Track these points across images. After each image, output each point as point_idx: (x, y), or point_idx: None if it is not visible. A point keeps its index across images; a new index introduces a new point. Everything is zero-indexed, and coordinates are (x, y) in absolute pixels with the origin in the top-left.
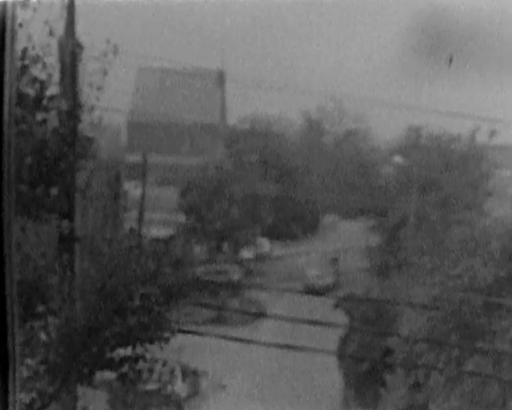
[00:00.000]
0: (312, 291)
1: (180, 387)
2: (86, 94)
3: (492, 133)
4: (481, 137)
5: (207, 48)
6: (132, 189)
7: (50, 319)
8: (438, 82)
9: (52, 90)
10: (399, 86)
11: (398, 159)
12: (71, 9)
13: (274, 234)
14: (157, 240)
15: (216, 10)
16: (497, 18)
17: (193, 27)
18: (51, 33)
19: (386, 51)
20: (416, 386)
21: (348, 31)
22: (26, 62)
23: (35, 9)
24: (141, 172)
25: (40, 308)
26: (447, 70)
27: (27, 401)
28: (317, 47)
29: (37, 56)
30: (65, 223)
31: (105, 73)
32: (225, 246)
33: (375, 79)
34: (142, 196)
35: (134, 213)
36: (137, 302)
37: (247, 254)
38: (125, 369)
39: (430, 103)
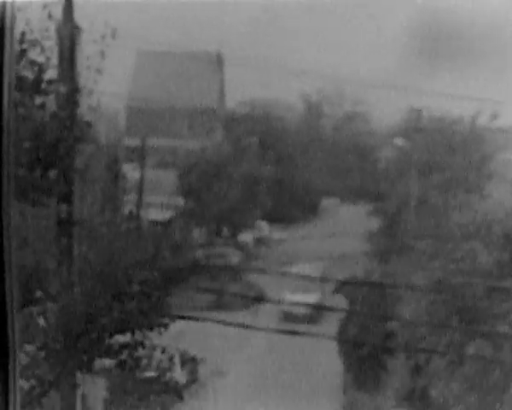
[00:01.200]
0: (291, 320)
1: (179, 374)
2: (85, 78)
3: (494, 116)
4: (483, 120)
5: (206, 31)
6: (131, 172)
7: (49, 305)
8: (439, 64)
9: (50, 73)
10: (400, 68)
11: (398, 141)
12: None
13: (273, 217)
14: (156, 223)
15: None
16: (502, 7)
17: (191, 10)
18: (49, 17)
19: (387, 33)
20: (417, 370)
21: (348, 14)
22: (25, 46)
23: None
24: (139, 155)
25: (38, 294)
26: (449, 53)
27: (27, 388)
28: (317, 30)
29: (36, 40)
30: (63, 207)
31: (103, 56)
32: (224, 229)
33: (376, 61)
34: (141, 180)
35: (133, 197)
36: (136, 287)
37: (246, 237)
38: (124, 356)
39: (431, 85)
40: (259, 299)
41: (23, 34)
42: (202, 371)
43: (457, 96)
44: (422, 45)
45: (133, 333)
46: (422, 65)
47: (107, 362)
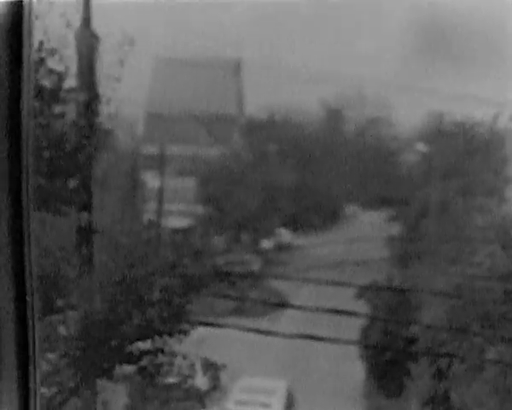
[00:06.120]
0: None
1: (200, 380)
2: (104, 86)
3: None
4: (503, 121)
5: (224, 37)
6: (150, 180)
7: (69, 313)
8: (459, 66)
9: (69, 82)
10: (420, 72)
11: (420, 146)
12: (87, 0)
13: (294, 224)
14: (176, 231)
15: None
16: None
17: (209, 17)
18: (68, 25)
19: (405, 34)
20: (439, 375)
21: (365, 16)
22: (43, 55)
23: (51, 2)
24: (159, 163)
25: (59, 302)
26: (468, 56)
27: (48, 396)
28: (334, 33)
29: (54, 49)
30: (83, 215)
31: (122, 64)
32: (244, 236)
33: (396, 66)
34: (161, 188)
35: (153, 205)
36: (157, 295)
37: (266, 244)
38: (144, 363)
39: (452, 89)
40: (280, 305)
41: (41, 43)
42: (224, 377)
43: (478, 99)
44: (442, 47)
45: (153, 340)
46: (443, 67)
47: (128, 369)
